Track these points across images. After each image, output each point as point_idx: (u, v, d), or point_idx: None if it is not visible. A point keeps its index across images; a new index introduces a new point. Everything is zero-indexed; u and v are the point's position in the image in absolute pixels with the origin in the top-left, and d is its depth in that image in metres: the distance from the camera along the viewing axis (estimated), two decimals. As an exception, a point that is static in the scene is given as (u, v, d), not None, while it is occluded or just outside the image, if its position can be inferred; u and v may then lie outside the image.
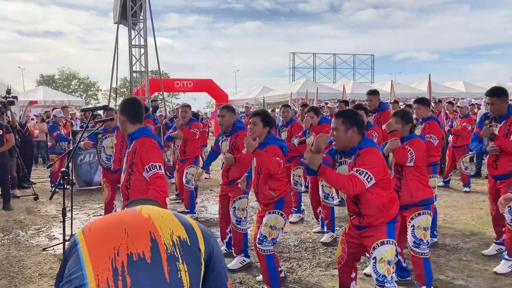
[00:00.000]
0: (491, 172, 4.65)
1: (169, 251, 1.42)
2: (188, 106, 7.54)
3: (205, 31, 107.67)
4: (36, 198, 8.49)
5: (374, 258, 3.18)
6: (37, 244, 5.79)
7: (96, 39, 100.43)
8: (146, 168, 3.37)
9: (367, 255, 4.16)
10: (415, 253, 3.87)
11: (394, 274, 3.25)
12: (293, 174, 6.72)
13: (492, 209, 4.86)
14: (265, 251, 3.99)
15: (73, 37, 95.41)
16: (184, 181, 7.04)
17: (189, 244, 1.47)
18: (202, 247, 1.50)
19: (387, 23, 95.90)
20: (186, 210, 7.06)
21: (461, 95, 25.11)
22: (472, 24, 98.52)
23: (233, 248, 4.96)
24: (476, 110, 12.01)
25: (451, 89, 27.76)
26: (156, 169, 3.36)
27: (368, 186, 3.05)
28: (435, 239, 5.39)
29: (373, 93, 6.51)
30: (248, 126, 4.25)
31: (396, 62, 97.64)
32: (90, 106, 32.24)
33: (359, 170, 3.05)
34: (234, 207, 4.86)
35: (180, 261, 1.42)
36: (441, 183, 8.98)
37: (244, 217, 4.89)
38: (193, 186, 7.05)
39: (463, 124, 8.49)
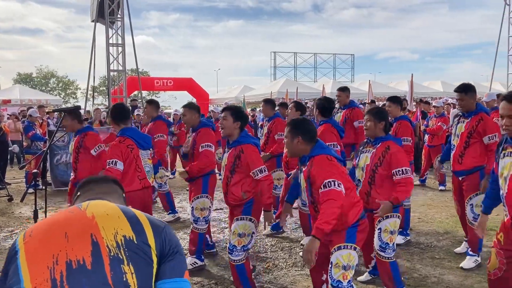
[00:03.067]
0: (455, 167, 4.70)
1: (112, 254, 1.37)
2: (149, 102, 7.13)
3: (187, 29, 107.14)
4: (10, 200, 8.28)
5: (331, 263, 3.13)
6: (10, 247, 5.67)
7: (75, 37, 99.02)
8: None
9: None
10: (381, 257, 3.78)
11: (351, 279, 3.15)
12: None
13: (457, 210, 4.96)
14: (236, 261, 3.84)
15: (52, 35, 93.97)
16: (156, 186, 6.92)
17: (135, 242, 1.42)
18: (151, 241, 1.45)
19: (369, 22, 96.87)
20: (167, 213, 6.96)
21: (439, 94, 25.50)
22: (451, 24, 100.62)
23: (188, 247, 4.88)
24: (451, 109, 12.23)
25: (429, 89, 28.21)
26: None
27: (343, 191, 2.97)
28: (408, 237, 5.48)
29: (343, 89, 6.55)
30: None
31: (377, 62, 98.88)
32: (68, 105, 31.76)
33: (325, 183, 2.95)
34: (193, 207, 4.76)
35: (125, 262, 1.37)
36: (417, 182, 9.11)
37: (203, 217, 4.75)
38: (166, 189, 6.96)
39: (439, 124, 8.62)
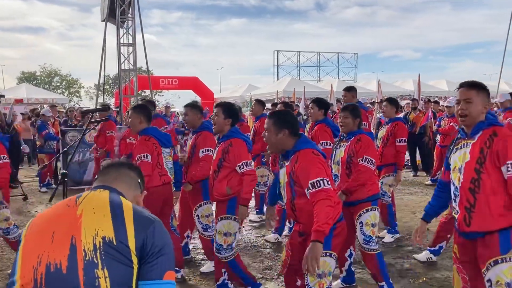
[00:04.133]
0: None
1: (87, 258, 1.42)
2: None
3: (190, 27, 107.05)
4: (25, 198, 8.34)
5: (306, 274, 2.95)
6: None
7: (78, 35, 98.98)
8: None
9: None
10: (366, 250, 3.88)
11: (329, 285, 3.00)
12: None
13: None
14: (226, 257, 3.93)
15: (55, 33, 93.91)
16: None
17: (114, 243, 1.45)
18: (131, 242, 1.47)
19: (372, 21, 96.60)
20: None
21: (444, 93, 25.52)
22: (454, 23, 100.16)
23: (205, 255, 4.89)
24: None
25: (435, 88, 28.20)
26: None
27: (331, 187, 2.85)
28: (397, 235, 5.64)
29: (349, 89, 6.55)
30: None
31: (379, 60, 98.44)
32: (72, 104, 31.75)
33: (313, 183, 2.78)
34: (198, 215, 4.66)
35: (100, 267, 1.42)
36: (429, 182, 9.15)
37: (212, 222, 4.63)
38: None
39: (451, 124, 8.63)
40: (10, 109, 10.19)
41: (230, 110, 4.05)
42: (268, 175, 6.65)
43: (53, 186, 9.69)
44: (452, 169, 2.85)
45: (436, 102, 12.11)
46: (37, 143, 9.89)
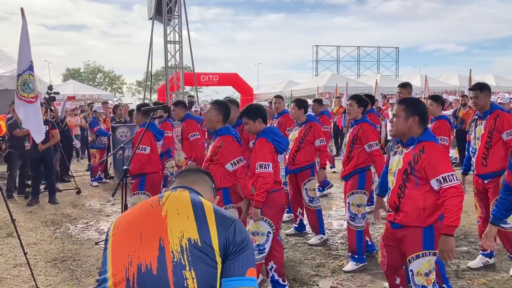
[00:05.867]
0: (479, 170, 4.51)
1: (175, 260, 1.46)
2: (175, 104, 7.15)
3: (228, 23, 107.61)
4: (78, 192, 8.71)
5: (411, 271, 3.03)
6: (88, 238, 5.96)
7: (119, 32, 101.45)
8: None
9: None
10: (351, 226, 4.64)
11: (435, 281, 3.09)
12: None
13: (481, 213, 4.65)
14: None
15: (97, 31, 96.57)
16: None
17: (199, 244, 1.49)
18: (215, 242, 1.51)
19: (414, 14, 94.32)
20: None
21: (492, 89, 24.59)
22: (500, 15, 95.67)
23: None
24: (512, 105, 11.78)
25: (481, 83, 27.20)
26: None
27: None
28: (324, 237, 5.63)
29: (404, 85, 6.42)
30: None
31: (421, 54, 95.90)
32: (115, 100, 32.49)
33: (445, 177, 2.82)
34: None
35: (187, 268, 1.45)
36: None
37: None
38: None
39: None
40: (63, 106, 10.58)
41: (222, 107, 4.20)
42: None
43: (104, 180, 10.01)
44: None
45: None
46: (89, 138, 10.23)
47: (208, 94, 52.37)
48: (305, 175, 5.58)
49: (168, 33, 11.28)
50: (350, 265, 4.65)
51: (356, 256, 4.63)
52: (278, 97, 7.13)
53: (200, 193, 1.76)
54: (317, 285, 4.35)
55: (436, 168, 2.85)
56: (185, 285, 1.44)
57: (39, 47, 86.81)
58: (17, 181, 8.74)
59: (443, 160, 2.90)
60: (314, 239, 5.60)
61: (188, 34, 11.44)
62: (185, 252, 1.47)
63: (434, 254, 2.99)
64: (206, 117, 4.27)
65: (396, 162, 3.11)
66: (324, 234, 5.63)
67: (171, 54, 11.21)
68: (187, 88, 28.41)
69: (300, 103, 5.66)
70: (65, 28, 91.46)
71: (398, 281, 3.41)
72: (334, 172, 10.32)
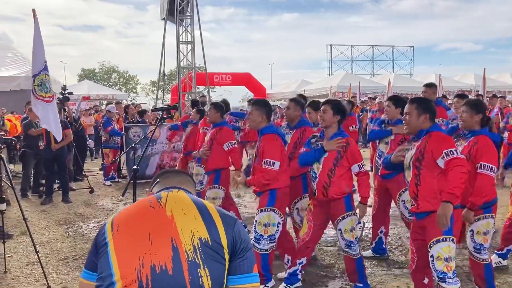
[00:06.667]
0: None
1: (190, 259, 1.49)
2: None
3: (242, 23, 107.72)
4: (91, 191, 8.80)
5: (432, 256, 3.16)
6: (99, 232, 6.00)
7: (134, 33, 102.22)
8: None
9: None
10: (476, 259, 3.89)
11: (455, 270, 3.21)
12: None
13: None
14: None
15: (112, 31, 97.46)
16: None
17: (210, 243, 1.53)
18: (224, 241, 1.55)
19: (429, 12, 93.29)
20: None
21: (508, 88, 24.25)
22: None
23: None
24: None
25: (498, 82, 26.74)
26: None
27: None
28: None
29: (429, 85, 6.39)
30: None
31: (437, 54, 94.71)
32: (159, 106, 32.79)
33: (447, 152, 3.06)
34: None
35: (201, 266, 1.48)
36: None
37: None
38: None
39: (520, 120, 8.22)
40: (78, 106, 10.71)
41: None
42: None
43: (117, 180, 10.10)
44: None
45: (502, 97, 11.51)
46: (102, 138, 10.33)
47: (221, 94, 52.52)
48: None
49: (180, 33, 11.31)
50: None
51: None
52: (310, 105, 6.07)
53: (192, 194, 1.78)
54: (326, 286, 4.34)
55: (439, 147, 3.10)
56: (201, 283, 1.47)
57: (55, 48, 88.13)
58: (31, 180, 8.85)
59: (446, 140, 3.18)
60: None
61: (201, 34, 11.50)
62: (198, 251, 1.50)
63: (453, 241, 3.14)
64: (249, 118, 4.26)
65: (409, 155, 3.33)
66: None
67: (183, 54, 11.26)
68: (201, 88, 28.71)
69: (318, 107, 5.44)
70: (81, 28, 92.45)
71: (426, 281, 3.45)
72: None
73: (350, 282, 4.13)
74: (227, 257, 1.54)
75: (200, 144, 6.13)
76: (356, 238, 3.99)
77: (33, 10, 5.02)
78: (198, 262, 1.49)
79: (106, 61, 59.19)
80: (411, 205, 3.45)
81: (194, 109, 8.12)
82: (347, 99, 13.85)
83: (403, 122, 3.43)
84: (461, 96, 6.09)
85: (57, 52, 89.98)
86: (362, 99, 16.63)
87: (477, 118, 3.73)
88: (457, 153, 3.04)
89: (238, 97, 56.29)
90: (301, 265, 4.14)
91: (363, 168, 3.91)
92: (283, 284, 4.18)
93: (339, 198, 3.89)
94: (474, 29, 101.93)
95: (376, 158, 4.94)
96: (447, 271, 3.11)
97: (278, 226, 4.02)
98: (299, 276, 4.19)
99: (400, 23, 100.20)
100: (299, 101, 4.96)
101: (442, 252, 3.11)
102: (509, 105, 10.75)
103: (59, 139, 6.40)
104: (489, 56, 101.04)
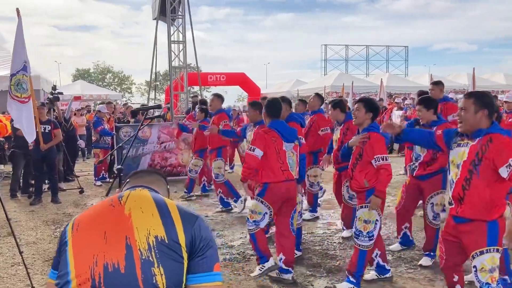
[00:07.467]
0: None
1: (143, 257, 1.47)
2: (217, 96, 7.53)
3: (238, 23, 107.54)
4: (81, 192, 8.76)
5: (475, 266, 3.05)
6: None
7: (130, 33, 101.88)
8: None
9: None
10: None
11: (499, 279, 3.12)
12: (308, 175, 6.28)
13: None
14: (362, 246, 4.07)
15: (108, 31, 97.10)
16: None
17: (166, 241, 1.51)
18: (181, 239, 1.53)
19: (425, 12, 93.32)
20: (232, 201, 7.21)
21: (501, 87, 24.39)
22: None
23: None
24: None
25: (490, 82, 26.92)
26: None
27: None
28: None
29: (437, 83, 6.40)
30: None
31: (432, 53, 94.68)
32: (137, 104, 32.73)
33: None
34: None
35: (156, 265, 1.47)
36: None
37: (299, 212, 4.86)
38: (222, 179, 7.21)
39: (510, 120, 8.20)
40: (69, 106, 10.65)
41: (372, 105, 4.21)
42: (321, 174, 6.59)
43: (108, 180, 10.06)
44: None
45: (495, 97, 11.55)
46: (93, 138, 10.28)
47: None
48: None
49: (172, 33, 11.28)
50: (371, 275, 4.41)
51: (352, 279, 4.11)
52: (316, 95, 6.96)
53: (159, 193, 1.77)
54: (312, 285, 4.34)
55: (503, 155, 2.88)
56: (154, 281, 1.45)
57: (51, 48, 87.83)
58: (21, 180, 8.80)
59: (510, 146, 2.92)
60: (346, 233, 5.75)
61: (192, 33, 11.48)
62: (152, 250, 1.49)
63: (498, 251, 3.01)
64: (355, 114, 4.26)
65: (460, 154, 3.09)
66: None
67: (175, 54, 11.22)
68: (196, 88, 28.69)
69: (336, 104, 5.76)
70: (76, 28, 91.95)
71: (456, 278, 3.40)
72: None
73: (347, 273, 4.16)
74: (185, 255, 1.52)
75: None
76: (368, 232, 4.05)
77: (17, 10, 4.99)
78: (152, 260, 1.47)
79: (100, 61, 58.96)
80: (449, 206, 3.23)
81: (198, 109, 8.27)
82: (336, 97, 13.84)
83: (458, 118, 3.15)
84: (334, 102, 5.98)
85: (53, 52, 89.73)
86: (355, 98, 16.64)
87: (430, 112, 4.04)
88: None
89: (234, 97, 56.20)
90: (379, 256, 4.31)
91: (381, 161, 3.95)
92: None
93: (361, 191, 4.12)
94: (469, 29, 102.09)
95: (413, 160, 4.88)
96: (491, 282, 3.03)
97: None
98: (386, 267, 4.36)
99: (396, 23, 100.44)
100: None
101: (486, 263, 3.01)
102: (501, 104, 10.76)
103: (30, 141, 6.38)
104: (483, 56, 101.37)
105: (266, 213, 4.30)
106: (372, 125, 4.15)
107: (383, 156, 3.98)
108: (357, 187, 4.15)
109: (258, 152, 4.21)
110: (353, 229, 4.19)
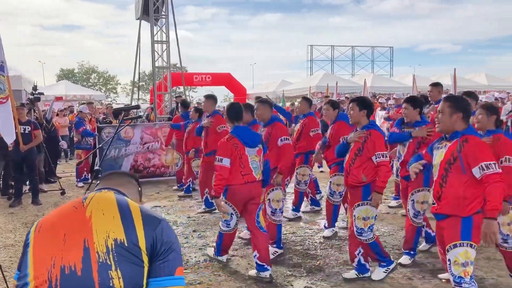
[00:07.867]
0: None
1: (101, 260, 1.47)
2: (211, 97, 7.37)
3: (225, 23, 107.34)
4: (63, 193, 8.66)
5: (449, 260, 3.20)
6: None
7: (115, 32, 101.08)
8: None
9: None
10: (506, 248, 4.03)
11: (472, 275, 3.24)
12: (297, 173, 6.44)
13: None
14: (368, 239, 4.22)
15: (93, 31, 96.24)
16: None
17: (126, 244, 1.50)
18: (142, 242, 1.52)
19: (410, 13, 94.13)
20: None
21: (483, 88, 24.72)
22: (496, 14, 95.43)
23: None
24: (500, 104, 11.81)
25: (473, 82, 27.20)
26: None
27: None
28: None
29: (435, 85, 6.44)
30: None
31: (416, 54, 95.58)
32: (121, 104, 32.47)
33: (487, 165, 3.03)
34: (269, 199, 5.11)
35: (113, 268, 1.46)
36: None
37: (279, 208, 5.15)
38: None
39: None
40: (50, 106, 10.52)
41: (364, 102, 4.32)
42: (309, 174, 6.61)
43: (90, 181, 9.97)
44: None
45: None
46: (75, 139, 10.18)
47: (203, 94, 52.30)
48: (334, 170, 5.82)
49: (155, 33, 11.23)
50: (351, 274, 4.45)
51: (383, 263, 4.36)
52: (304, 98, 7.04)
53: (126, 195, 1.75)
54: (291, 285, 4.34)
55: (477, 157, 3.06)
56: (111, 284, 1.45)
57: (35, 47, 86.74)
58: (0, 182, 8.68)
59: (484, 149, 3.12)
60: (327, 232, 5.82)
61: (176, 33, 11.44)
62: (111, 253, 1.48)
63: (471, 246, 3.15)
64: (350, 113, 4.34)
65: (439, 155, 3.31)
66: (334, 227, 5.90)
67: (158, 54, 11.17)
68: (182, 88, 28.67)
69: (334, 104, 5.97)
70: (61, 28, 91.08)
71: None
72: (322, 172, 10.34)
73: (378, 264, 4.37)
74: (145, 259, 1.51)
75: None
76: (369, 227, 4.20)
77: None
78: (109, 263, 1.46)
79: (85, 61, 58.33)
80: (432, 204, 3.41)
81: (193, 108, 8.31)
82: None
83: (436, 119, 3.39)
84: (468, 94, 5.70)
85: (37, 52, 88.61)
86: (339, 98, 16.72)
87: (492, 119, 3.98)
88: (495, 167, 3.02)
89: (220, 97, 56.07)
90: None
91: (381, 158, 4.07)
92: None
93: (357, 186, 4.19)
94: (454, 30, 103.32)
95: (395, 160, 4.98)
96: (464, 276, 3.15)
97: (232, 216, 4.57)
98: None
99: (382, 24, 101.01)
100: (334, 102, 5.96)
101: (459, 257, 3.15)
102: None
103: (9, 143, 6.30)
104: (467, 56, 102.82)
105: (232, 213, 4.58)
106: (372, 122, 4.29)
107: (383, 153, 4.11)
108: (354, 182, 4.20)
109: (226, 161, 4.34)
110: (354, 229, 4.26)
